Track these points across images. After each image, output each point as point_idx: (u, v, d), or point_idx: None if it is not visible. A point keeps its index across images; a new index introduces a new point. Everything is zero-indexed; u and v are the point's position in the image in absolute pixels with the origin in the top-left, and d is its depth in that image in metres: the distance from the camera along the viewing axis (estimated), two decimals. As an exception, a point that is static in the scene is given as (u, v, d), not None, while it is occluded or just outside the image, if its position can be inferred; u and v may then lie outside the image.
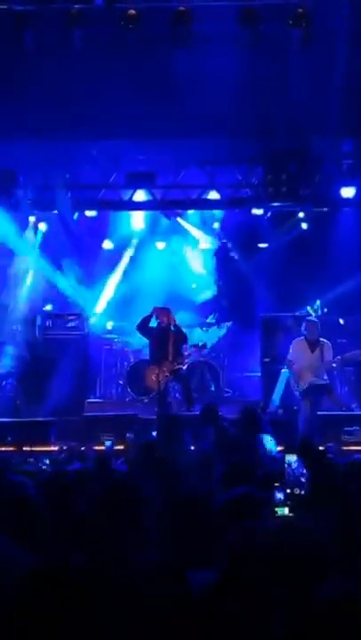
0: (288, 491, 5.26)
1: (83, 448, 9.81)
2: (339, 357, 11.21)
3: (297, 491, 5.33)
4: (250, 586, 3.02)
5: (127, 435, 10.27)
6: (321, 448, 8.28)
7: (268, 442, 6.30)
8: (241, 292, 14.60)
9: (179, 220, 14.65)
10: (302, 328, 11.47)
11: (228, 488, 4.64)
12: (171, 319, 12.16)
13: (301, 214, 13.69)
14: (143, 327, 12.38)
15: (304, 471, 5.61)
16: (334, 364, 11.32)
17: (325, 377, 11.29)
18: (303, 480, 5.51)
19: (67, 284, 14.44)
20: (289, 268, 14.25)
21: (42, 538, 3.76)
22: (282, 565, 3.20)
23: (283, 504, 4.40)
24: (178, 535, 3.68)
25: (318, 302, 13.08)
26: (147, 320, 12.33)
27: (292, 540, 3.60)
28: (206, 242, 14.97)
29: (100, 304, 14.96)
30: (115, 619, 2.75)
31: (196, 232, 14.99)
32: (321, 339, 11.30)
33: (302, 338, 11.47)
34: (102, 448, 9.97)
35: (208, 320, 14.42)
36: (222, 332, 14.33)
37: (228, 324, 14.41)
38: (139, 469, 6.07)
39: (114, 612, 2.80)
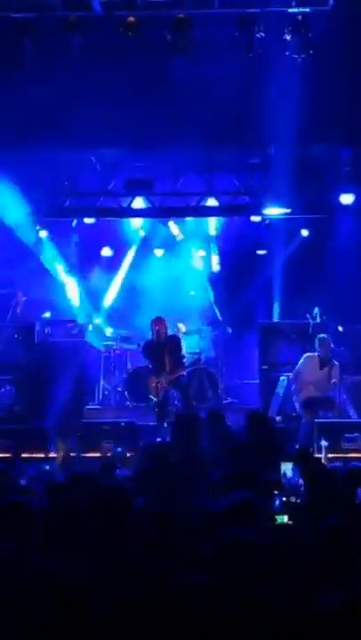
0: (284, 499, 5.27)
1: (81, 455, 9.82)
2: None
3: (293, 499, 5.33)
4: (236, 587, 3.02)
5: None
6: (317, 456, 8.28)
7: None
8: (239, 299, 14.59)
9: (171, 225, 14.63)
10: (316, 345, 11.51)
11: (227, 493, 4.64)
12: (164, 327, 12.13)
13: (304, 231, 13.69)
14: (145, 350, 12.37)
15: (300, 480, 5.61)
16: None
17: (330, 393, 11.35)
18: (301, 488, 5.52)
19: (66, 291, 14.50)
20: (288, 275, 14.26)
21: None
22: (279, 573, 3.20)
23: (282, 512, 4.40)
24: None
25: (317, 310, 13.06)
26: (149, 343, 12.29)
27: (289, 548, 3.61)
28: (204, 250, 14.96)
29: (99, 311, 14.97)
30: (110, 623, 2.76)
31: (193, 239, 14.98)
32: (333, 360, 11.37)
33: (315, 354, 11.52)
34: (98, 455, 9.98)
35: (205, 327, 14.39)
36: (216, 334, 14.28)
37: (229, 330, 14.38)
38: (145, 477, 6.04)
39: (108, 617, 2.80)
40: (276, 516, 4.50)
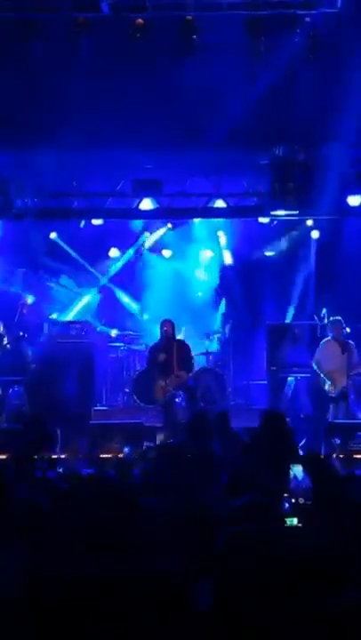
0: (293, 500, 5.26)
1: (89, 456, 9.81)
2: None
3: (302, 501, 5.32)
4: (243, 589, 3.01)
5: (145, 444, 10.26)
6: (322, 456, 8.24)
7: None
8: (247, 299, 14.58)
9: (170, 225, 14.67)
10: (328, 329, 11.57)
11: (233, 496, 4.64)
12: (172, 329, 12.13)
13: (310, 222, 13.68)
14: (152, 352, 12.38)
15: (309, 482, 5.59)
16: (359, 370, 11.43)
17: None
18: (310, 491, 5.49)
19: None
20: (296, 276, 14.26)
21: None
22: (293, 575, 3.20)
23: (292, 514, 4.40)
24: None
25: (324, 310, 13.06)
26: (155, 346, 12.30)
27: (301, 549, 3.61)
28: (212, 250, 14.96)
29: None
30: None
31: (201, 240, 14.98)
32: (348, 340, 11.43)
33: (330, 338, 11.56)
34: (108, 456, 9.97)
35: (215, 329, 14.37)
36: (226, 333, 14.26)
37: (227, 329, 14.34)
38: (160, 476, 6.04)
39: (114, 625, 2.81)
40: (287, 519, 4.49)
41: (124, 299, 14.83)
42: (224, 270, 14.92)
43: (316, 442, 10.76)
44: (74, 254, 14.54)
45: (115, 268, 14.88)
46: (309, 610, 2.98)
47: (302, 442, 10.51)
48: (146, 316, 14.45)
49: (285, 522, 4.56)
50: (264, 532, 3.57)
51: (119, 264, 14.89)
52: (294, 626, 2.88)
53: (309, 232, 14.15)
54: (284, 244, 14.28)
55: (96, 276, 14.81)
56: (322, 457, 7.87)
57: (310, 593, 3.14)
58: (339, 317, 11.79)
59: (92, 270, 14.72)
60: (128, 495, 4.29)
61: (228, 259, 14.80)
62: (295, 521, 4.55)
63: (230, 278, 14.85)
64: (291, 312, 14.08)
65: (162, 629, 2.93)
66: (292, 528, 4.51)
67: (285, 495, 5.22)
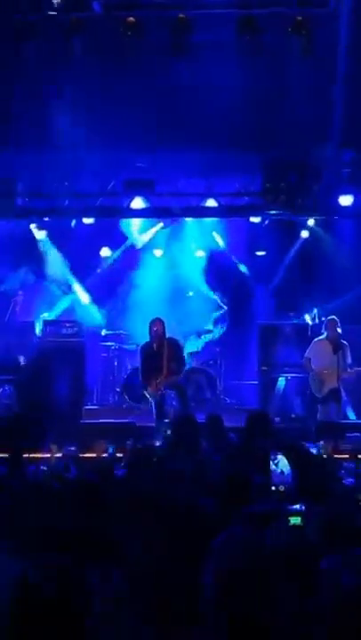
0: (273, 488, 5.25)
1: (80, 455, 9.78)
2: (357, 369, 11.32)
3: (282, 488, 5.31)
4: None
5: (127, 442, 10.22)
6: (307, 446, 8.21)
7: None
8: (239, 299, 14.60)
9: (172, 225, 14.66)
10: (323, 328, 11.56)
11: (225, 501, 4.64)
12: (162, 329, 12.08)
13: (311, 221, 13.69)
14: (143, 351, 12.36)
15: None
16: (351, 372, 11.39)
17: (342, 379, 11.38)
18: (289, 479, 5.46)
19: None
20: (287, 275, 14.28)
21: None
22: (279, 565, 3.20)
23: (296, 514, 4.37)
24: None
25: (316, 310, 13.09)
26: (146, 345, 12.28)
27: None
28: (203, 250, 14.96)
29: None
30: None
31: (192, 240, 14.98)
32: (342, 340, 11.37)
33: (323, 338, 11.50)
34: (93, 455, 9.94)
35: (206, 328, 14.37)
36: (217, 334, 14.26)
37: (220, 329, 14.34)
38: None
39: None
40: (290, 518, 4.46)
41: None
42: (215, 270, 14.92)
43: (306, 441, 10.75)
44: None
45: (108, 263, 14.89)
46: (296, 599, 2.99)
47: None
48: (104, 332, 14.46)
49: (289, 521, 4.54)
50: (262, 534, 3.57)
51: (108, 261, 14.90)
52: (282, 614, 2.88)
53: (300, 232, 14.18)
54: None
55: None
56: (303, 445, 7.81)
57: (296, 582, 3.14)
58: (334, 317, 11.76)
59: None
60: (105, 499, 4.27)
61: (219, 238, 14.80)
62: (299, 520, 4.52)
63: (221, 278, 14.86)
64: (282, 312, 14.09)
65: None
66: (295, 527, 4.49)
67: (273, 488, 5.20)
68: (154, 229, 14.72)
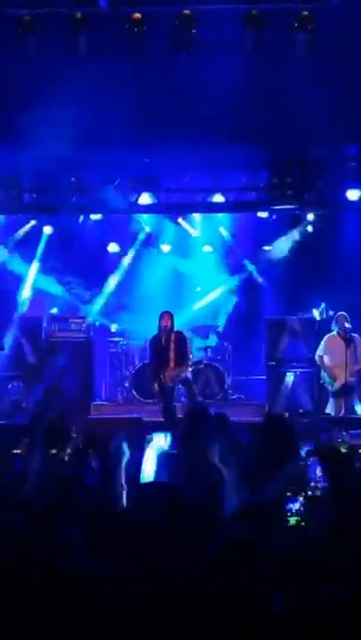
0: (309, 493, 5.21)
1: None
2: None
3: (318, 493, 5.27)
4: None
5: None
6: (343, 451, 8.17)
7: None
8: (246, 294, 14.59)
9: (181, 222, 14.61)
10: (333, 324, 11.59)
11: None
12: (171, 322, 12.10)
13: (311, 216, 13.67)
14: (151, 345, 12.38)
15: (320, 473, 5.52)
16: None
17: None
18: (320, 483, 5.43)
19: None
20: (294, 270, 14.26)
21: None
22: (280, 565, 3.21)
23: (296, 514, 4.38)
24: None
25: (323, 305, 13.08)
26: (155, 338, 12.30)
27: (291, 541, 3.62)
28: (211, 245, 14.95)
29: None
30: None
31: (200, 235, 14.96)
32: (352, 334, 11.42)
33: (334, 334, 11.57)
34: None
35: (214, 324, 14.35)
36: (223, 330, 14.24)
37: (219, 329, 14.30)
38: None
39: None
40: (290, 518, 4.47)
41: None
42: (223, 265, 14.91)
43: (315, 437, 10.75)
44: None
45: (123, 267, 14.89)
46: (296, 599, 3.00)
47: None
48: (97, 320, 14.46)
49: (288, 521, 4.54)
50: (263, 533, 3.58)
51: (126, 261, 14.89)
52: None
53: (307, 226, 14.16)
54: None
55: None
56: (337, 448, 7.77)
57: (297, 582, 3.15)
58: (343, 312, 11.79)
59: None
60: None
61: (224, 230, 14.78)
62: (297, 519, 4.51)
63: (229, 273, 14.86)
64: (289, 306, 14.07)
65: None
66: (293, 527, 4.49)
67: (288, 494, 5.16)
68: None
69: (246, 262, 14.70)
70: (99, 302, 14.69)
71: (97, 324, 14.30)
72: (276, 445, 6.62)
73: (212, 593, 2.91)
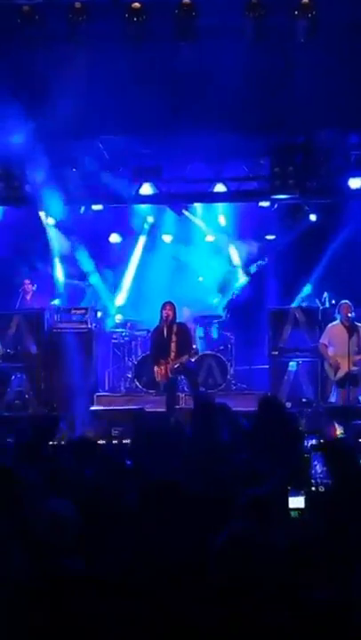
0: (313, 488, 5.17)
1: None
2: None
3: (322, 489, 5.24)
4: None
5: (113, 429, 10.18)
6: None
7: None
8: (249, 284, 14.56)
9: (185, 212, 14.59)
10: (336, 312, 11.56)
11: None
12: (173, 312, 12.08)
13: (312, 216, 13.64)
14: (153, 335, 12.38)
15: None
16: None
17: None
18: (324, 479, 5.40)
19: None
20: (297, 259, 14.23)
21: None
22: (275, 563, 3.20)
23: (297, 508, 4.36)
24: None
25: (326, 294, 13.05)
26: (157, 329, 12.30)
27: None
28: (213, 235, 14.92)
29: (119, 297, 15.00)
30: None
31: (202, 225, 14.94)
32: (356, 322, 11.39)
33: (337, 322, 11.54)
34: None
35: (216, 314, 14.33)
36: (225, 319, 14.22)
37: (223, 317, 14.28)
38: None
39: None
40: (291, 512, 4.46)
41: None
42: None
43: (316, 426, 10.74)
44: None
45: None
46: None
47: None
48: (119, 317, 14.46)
49: (290, 514, 4.52)
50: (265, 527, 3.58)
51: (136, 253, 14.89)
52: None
53: (309, 215, 14.13)
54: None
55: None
56: (344, 445, 7.75)
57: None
58: (347, 301, 11.75)
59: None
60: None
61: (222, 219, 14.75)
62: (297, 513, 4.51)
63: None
64: (292, 296, 14.05)
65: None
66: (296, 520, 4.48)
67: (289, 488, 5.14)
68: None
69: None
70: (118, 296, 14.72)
71: (99, 315, 14.27)
72: (272, 427, 6.62)
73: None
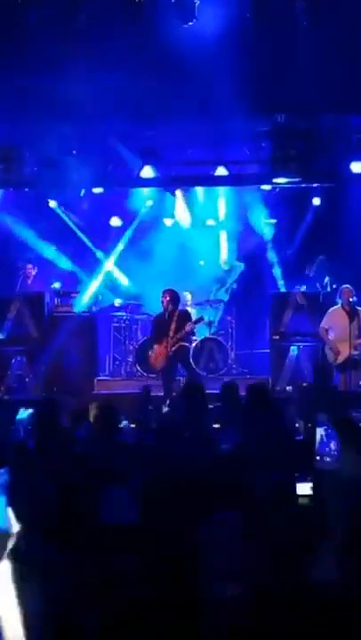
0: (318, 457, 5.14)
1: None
2: None
3: (327, 459, 5.20)
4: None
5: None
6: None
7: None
8: (250, 268, 14.52)
9: (178, 195, 14.53)
10: (337, 297, 11.52)
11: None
12: (173, 299, 12.07)
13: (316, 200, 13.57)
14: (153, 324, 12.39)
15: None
16: None
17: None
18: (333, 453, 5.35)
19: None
20: (298, 243, 14.19)
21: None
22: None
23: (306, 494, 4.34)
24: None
25: (327, 279, 13.01)
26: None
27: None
28: (213, 218, 14.87)
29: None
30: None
31: (203, 208, 14.89)
32: (357, 307, 11.37)
33: (338, 307, 11.52)
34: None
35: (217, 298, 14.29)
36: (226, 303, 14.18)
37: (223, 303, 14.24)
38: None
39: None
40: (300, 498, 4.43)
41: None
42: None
43: (317, 410, 10.71)
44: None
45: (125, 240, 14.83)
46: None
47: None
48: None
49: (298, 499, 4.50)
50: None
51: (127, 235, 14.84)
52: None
53: (311, 199, 14.06)
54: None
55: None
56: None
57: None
58: (348, 285, 11.71)
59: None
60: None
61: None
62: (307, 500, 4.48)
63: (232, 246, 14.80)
64: (293, 280, 14.01)
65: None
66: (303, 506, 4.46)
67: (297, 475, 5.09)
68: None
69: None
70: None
71: (100, 297, 14.25)
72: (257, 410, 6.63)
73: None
